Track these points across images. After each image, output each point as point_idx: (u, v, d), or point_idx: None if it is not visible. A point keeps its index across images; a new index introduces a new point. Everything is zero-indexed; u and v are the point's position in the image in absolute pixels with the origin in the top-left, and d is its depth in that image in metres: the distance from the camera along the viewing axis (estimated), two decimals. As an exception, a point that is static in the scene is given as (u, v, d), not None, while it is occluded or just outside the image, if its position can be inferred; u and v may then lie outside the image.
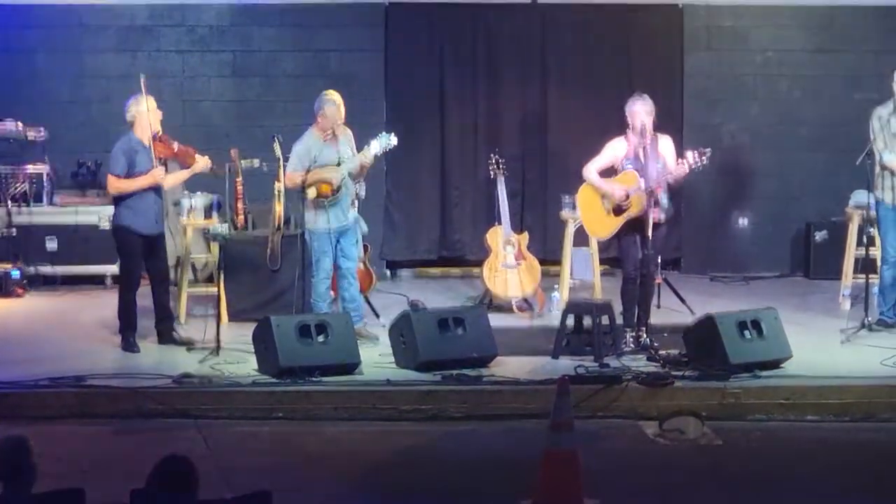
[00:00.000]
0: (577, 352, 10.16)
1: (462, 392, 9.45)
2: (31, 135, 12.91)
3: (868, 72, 13.47)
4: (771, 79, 14.02)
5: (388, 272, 13.89)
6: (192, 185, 11.66)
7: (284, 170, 10.77)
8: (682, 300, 11.90)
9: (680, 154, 10.45)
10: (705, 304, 11.56)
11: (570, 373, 9.41)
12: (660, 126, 10.59)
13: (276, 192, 11.24)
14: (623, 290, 10.48)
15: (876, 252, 11.43)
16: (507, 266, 11.77)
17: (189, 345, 10.33)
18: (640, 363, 9.92)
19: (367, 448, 8.68)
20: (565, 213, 12.18)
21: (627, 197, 10.23)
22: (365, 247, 11.48)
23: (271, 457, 8.41)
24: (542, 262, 12.18)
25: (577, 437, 7.34)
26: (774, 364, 9.85)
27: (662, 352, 10.07)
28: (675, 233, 13.18)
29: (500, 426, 9.14)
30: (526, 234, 12.13)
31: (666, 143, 10.42)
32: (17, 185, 12.75)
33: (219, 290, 10.74)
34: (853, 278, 12.17)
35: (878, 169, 10.96)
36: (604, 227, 10.52)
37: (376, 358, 10.07)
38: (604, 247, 12.63)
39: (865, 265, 11.21)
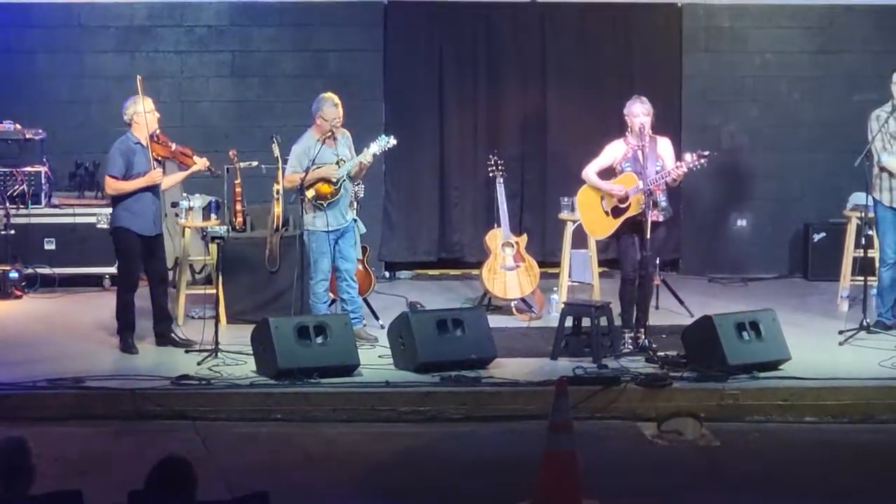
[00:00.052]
0: (576, 353, 10.16)
1: (461, 393, 9.45)
2: (30, 135, 12.89)
3: (867, 73, 13.46)
4: (770, 80, 14.02)
5: (387, 273, 13.88)
6: (191, 186, 11.66)
7: (283, 171, 10.77)
8: (681, 301, 11.90)
9: (679, 155, 10.46)
10: (704, 306, 11.55)
11: (568, 374, 9.42)
12: (658, 127, 10.61)
13: (275, 193, 11.24)
14: (621, 291, 10.48)
15: (874, 253, 11.43)
16: (506, 267, 11.77)
17: (187, 346, 10.32)
18: (638, 364, 9.92)
19: (366, 449, 8.68)
20: (564, 215, 12.17)
21: (627, 196, 10.24)
22: (364, 248, 11.47)
23: (270, 458, 8.41)
24: (540, 264, 12.18)
25: (576, 438, 7.34)
26: (773, 365, 9.85)
27: (661, 353, 10.07)
28: (674, 234, 13.17)
29: (499, 427, 9.14)
30: (525, 236, 12.12)
31: (665, 145, 10.44)
32: (16, 185, 12.73)
33: (217, 292, 10.73)
34: (851, 280, 12.18)
35: (876, 170, 10.97)
36: (602, 227, 10.54)
37: (375, 359, 10.08)
38: (602, 248, 12.64)
39: (864, 266, 11.21)
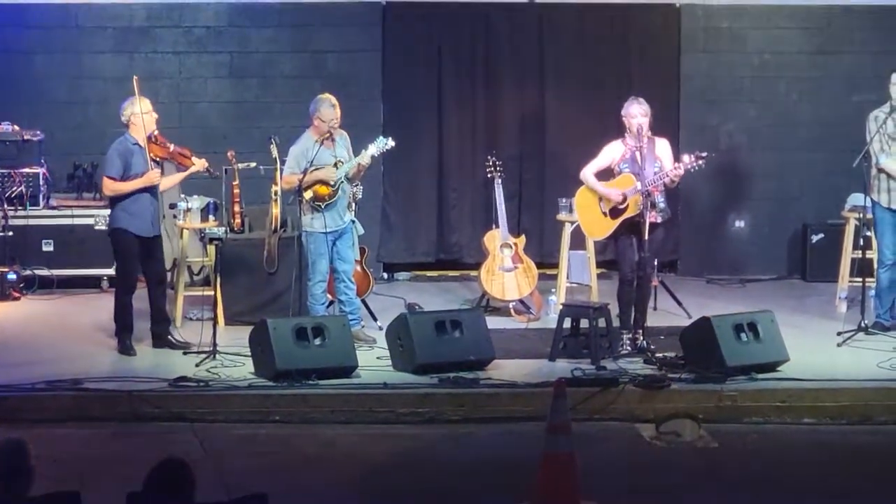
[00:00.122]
0: (574, 354, 10.16)
1: (459, 395, 9.44)
2: (28, 136, 12.88)
3: (866, 73, 13.46)
4: (768, 80, 14.01)
5: (386, 275, 13.87)
6: (189, 187, 11.65)
7: (281, 172, 10.76)
8: (679, 303, 11.90)
9: (677, 156, 10.46)
10: (702, 307, 11.55)
11: (566, 375, 9.41)
12: (657, 128, 10.61)
13: (273, 195, 11.23)
14: (620, 292, 10.48)
15: (872, 254, 11.43)
16: (505, 269, 11.76)
17: (184, 348, 10.32)
18: (636, 366, 9.92)
19: (364, 451, 8.68)
20: (562, 216, 12.17)
21: (625, 199, 10.24)
22: (362, 249, 11.47)
23: (268, 460, 8.41)
24: (539, 265, 12.18)
25: (574, 439, 7.34)
26: (771, 367, 9.84)
27: (659, 354, 10.07)
28: (672, 235, 13.16)
29: (498, 429, 9.14)
30: (523, 237, 12.11)
31: (663, 146, 10.44)
32: (14, 187, 12.72)
33: (215, 293, 10.72)
34: (850, 281, 12.18)
35: (874, 171, 10.96)
36: (600, 228, 10.54)
37: (373, 361, 10.07)
38: (600, 249, 12.64)
39: (862, 268, 11.20)
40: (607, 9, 13.91)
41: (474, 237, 13.18)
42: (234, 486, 6.88)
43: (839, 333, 10.71)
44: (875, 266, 11.30)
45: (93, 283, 12.76)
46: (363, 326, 10.91)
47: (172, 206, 11.69)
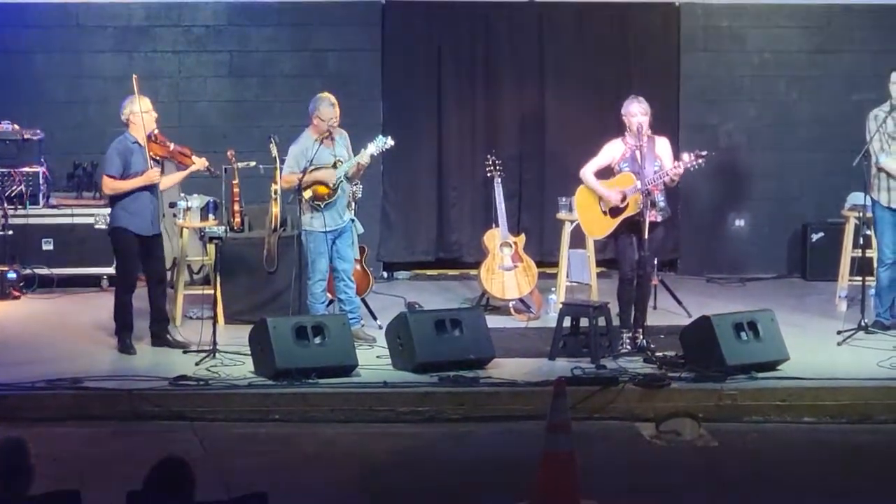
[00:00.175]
0: (574, 353, 10.16)
1: (459, 394, 9.44)
2: (28, 136, 12.88)
3: (865, 72, 13.46)
4: (768, 79, 14.02)
5: (385, 274, 13.87)
6: (189, 186, 11.65)
7: (281, 171, 10.76)
8: (679, 301, 11.90)
9: (677, 155, 10.46)
10: (702, 306, 11.55)
11: (566, 374, 9.41)
12: (656, 127, 10.61)
13: (273, 194, 11.23)
14: (620, 291, 10.48)
15: (872, 253, 11.43)
16: (505, 268, 11.76)
17: (183, 347, 10.31)
18: (636, 365, 9.92)
19: (364, 450, 8.68)
20: (562, 215, 12.17)
21: (625, 198, 10.24)
22: (362, 248, 11.47)
23: (268, 458, 8.40)
24: (539, 264, 12.18)
25: (574, 438, 7.34)
26: (771, 366, 9.84)
27: (659, 353, 10.07)
28: (672, 234, 13.15)
29: (498, 427, 9.13)
30: (523, 236, 12.11)
31: (663, 145, 10.44)
32: (14, 186, 12.72)
33: (215, 292, 10.72)
34: (850, 280, 12.18)
35: (874, 170, 10.96)
36: (600, 227, 10.54)
37: (373, 360, 10.07)
38: (600, 248, 12.64)
39: (862, 267, 11.21)
40: (607, 8, 13.91)
41: (474, 236, 13.18)
42: (234, 485, 6.88)
43: (839, 332, 10.71)
44: (875, 265, 11.30)
45: (93, 282, 12.76)
46: (363, 325, 10.92)
47: (172, 205, 11.69)
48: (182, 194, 11.66)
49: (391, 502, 7.84)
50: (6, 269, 12.39)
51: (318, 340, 9.71)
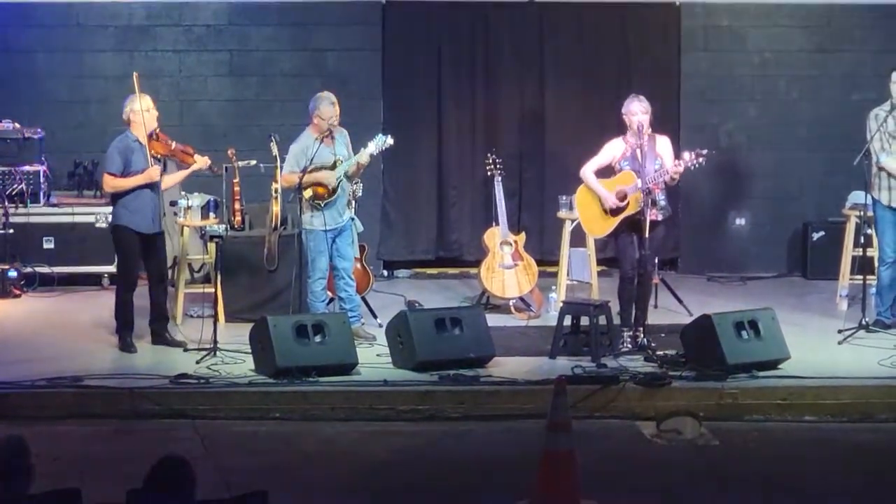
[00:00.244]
0: (575, 352, 10.16)
1: (459, 392, 9.44)
2: (28, 134, 12.88)
3: (866, 72, 13.47)
4: (768, 79, 14.02)
5: (386, 272, 13.87)
6: (189, 185, 11.65)
7: (281, 170, 10.76)
8: (680, 300, 11.89)
9: (677, 154, 10.46)
10: (702, 305, 11.55)
11: (567, 373, 9.41)
12: (657, 126, 10.61)
13: (273, 192, 11.24)
14: (620, 289, 10.48)
15: (873, 252, 11.44)
16: (505, 266, 11.76)
17: (181, 346, 10.31)
18: (637, 363, 9.92)
19: (365, 448, 8.68)
20: (563, 214, 12.17)
21: (625, 197, 10.24)
22: (362, 247, 11.47)
23: (268, 457, 8.40)
24: (539, 263, 12.18)
25: (575, 437, 7.34)
26: (772, 364, 9.84)
27: (660, 352, 10.07)
28: (673, 233, 13.16)
29: (498, 426, 9.13)
30: (523, 235, 12.12)
31: (663, 143, 10.44)
32: (14, 184, 12.72)
33: (215, 290, 10.72)
34: (850, 279, 12.18)
35: (875, 169, 10.96)
36: (601, 226, 10.53)
37: (373, 358, 10.07)
38: (601, 247, 12.64)
39: (863, 265, 11.21)
40: (607, 7, 13.91)
41: (474, 235, 13.18)
42: (235, 484, 6.89)
43: (840, 331, 10.71)
44: (876, 264, 11.31)
45: (93, 281, 12.77)
46: (363, 324, 10.92)
47: (173, 204, 11.69)
48: (183, 193, 11.66)
49: (391, 501, 7.84)
50: (7, 267, 12.39)
51: (318, 339, 9.71)
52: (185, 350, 10.20)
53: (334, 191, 10.52)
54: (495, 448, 8.74)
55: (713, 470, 8.37)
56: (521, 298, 11.81)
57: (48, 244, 12.77)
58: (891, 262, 11.04)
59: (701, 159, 10.19)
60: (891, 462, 8.54)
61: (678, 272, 13.86)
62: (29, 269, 12.57)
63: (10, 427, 7.94)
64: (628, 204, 10.26)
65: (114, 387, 9.27)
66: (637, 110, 10.28)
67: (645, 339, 10.25)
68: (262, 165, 11.38)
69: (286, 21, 13.74)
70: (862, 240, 11.33)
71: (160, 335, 10.48)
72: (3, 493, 5.25)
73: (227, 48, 13.73)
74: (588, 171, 10.47)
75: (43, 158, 12.95)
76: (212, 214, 11.58)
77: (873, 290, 11.18)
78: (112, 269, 12.04)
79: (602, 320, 10.22)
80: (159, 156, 10.40)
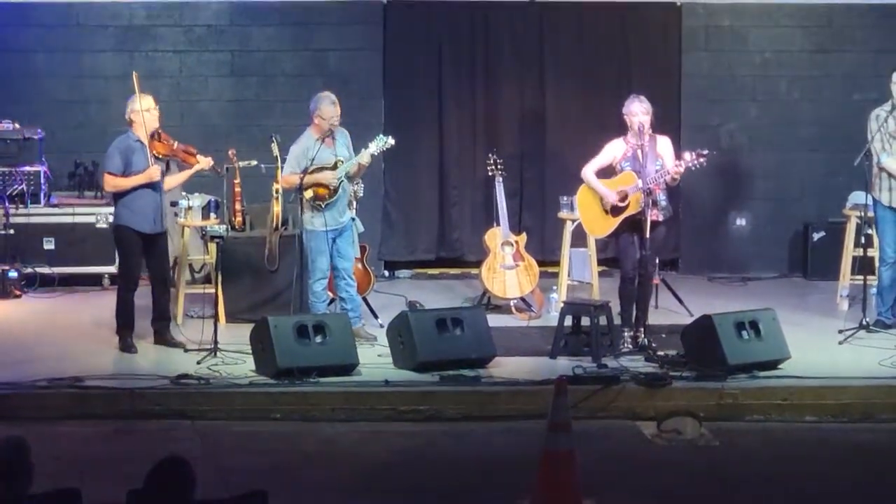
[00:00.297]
0: (575, 352, 10.16)
1: (460, 393, 9.45)
2: (28, 135, 12.88)
3: (867, 72, 13.46)
4: (769, 79, 14.01)
5: (387, 272, 13.87)
6: (190, 185, 11.64)
7: (282, 170, 10.76)
8: (680, 301, 11.89)
9: (678, 154, 10.45)
10: (703, 305, 11.53)
11: (568, 373, 9.41)
12: (658, 126, 10.61)
13: (274, 193, 11.23)
14: (621, 290, 10.48)
15: (874, 252, 11.44)
16: (506, 266, 11.76)
17: (181, 347, 10.30)
18: (638, 363, 9.92)
19: (365, 449, 8.68)
20: (563, 214, 12.17)
21: (626, 197, 10.24)
22: (363, 247, 11.47)
23: (268, 457, 8.40)
24: (540, 263, 12.17)
25: (575, 437, 7.34)
26: (772, 365, 9.84)
27: (660, 352, 10.07)
28: (674, 233, 13.16)
29: (499, 426, 9.13)
30: (524, 235, 12.12)
31: (664, 144, 10.44)
32: (15, 185, 12.72)
33: (216, 291, 10.72)
34: (851, 279, 12.18)
35: (875, 169, 10.96)
36: (602, 226, 10.53)
37: (374, 358, 10.06)
38: (602, 247, 12.64)
39: (863, 266, 11.21)
40: (608, 7, 13.90)
41: (475, 235, 13.17)
42: (235, 484, 6.89)
43: (841, 331, 10.71)
44: (876, 264, 11.30)
45: (94, 281, 12.76)
46: (364, 324, 10.91)
47: (174, 204, 11.68)
48: (183, 193, 11.65)
49: (392, 501, 7.84)
50: (7, 268, 12.39)
51: (319, 339, 9.71)
52: (186, 350, 10.20)
53: (335, 191, 10.51)
54: (495, 448, 8.74)
55: (713, 470, 8.37)
56: (522, 299, 11.81)
57: (48, 245, 12.76)
58: (891, 262, 11.04)
59: (702, 160, 10.20)
60: (891, 462, 8.54)
61: (679, 272, 13.85)
62: (29, 270, 12.57)
63: (11, 427, 7.94)
64: (629, 204, 10.26)
65: (114, 387, 9.27)
66: (638, 111, 10.28)
67: (645, 340, 10.25)
68: (262, 166, 11.37)
69: (287, 21, 13.73)
70: (862, 240, 11.34)
71: (161, 335, 10.47)
72: (4, 493, 5.25)
73: (228, 48, 13.72)
74: (589, 171, 10.47)
75: (43, 159, 12.94)
76: (212, 215, 11.58)
77: (874, 290, 11.17)
78: (112, 269, 12.04)
79: (603, 320, 10.22)
80: (161, 156, 10.39)
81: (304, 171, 10.39)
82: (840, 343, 10.57)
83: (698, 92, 13.99)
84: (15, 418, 8.78)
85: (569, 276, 12.24)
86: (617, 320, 10.42)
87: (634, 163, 10.29)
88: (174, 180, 10.71)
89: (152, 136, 10.31)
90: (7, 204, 12.65)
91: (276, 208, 11.26)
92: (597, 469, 7.82)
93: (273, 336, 9.53)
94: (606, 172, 10.47)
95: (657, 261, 11.10)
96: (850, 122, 12.45)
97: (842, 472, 8.34)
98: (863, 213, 11.31)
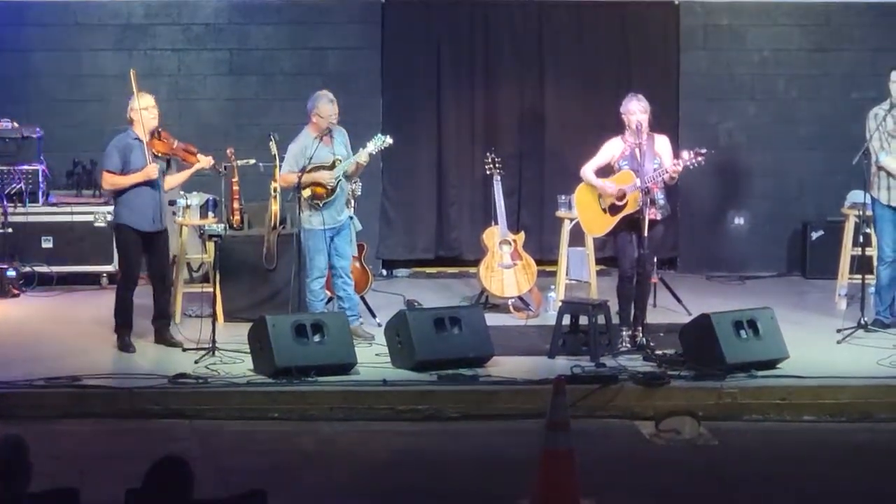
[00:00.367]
0: (574, 351, 10.16)
1: (458, 392, 9.44)
2: (27, 133, 12.87)
3: (865, 71, 13.46)
4: (768, 77, 14.01)
5: (385, 271, 13.86)
6: (188, 184, 11.61)
7: (280, 169, 10.76)
8: (679, 300, 11.89)
9: (676, 153, 10.45)
10: (701, 304, 11.53)
11: (566, 372, 9.40)
12: (656, 125, 10.61)
13: (273, 191, 11.23)
14: (619, 289, 10.47)
15: (872, 251, 11.43)
16: (504, 265, 11.76)
17: (179, 346, 10.29)
18: (636, 363, 9.92)
19: (363, 448, 8.68)
20: (562, 213, 12.16)
21: (624, 195, 10.23)
22: (361, 246, 11.47)
23: (267, 457, 8.40)
24: (538, 262, 12.17)
25: (574, 436, 7.33)
26: (771, 364, 9.84)
27: (659, 351, 10.07)
28: (672, 232, 13.15)
29: (497, 426, 9.13)
30: (522, 234, 12.12)
31: (662, 142, 10.44)
32: (13, 183, 12.72)
33: (214, 290, 10.70)
34: (849, 278, 12.17)
35: (874, 168, 10.96)
36: (600, 225, 10.53)
37: (372, 357, 10.06)
38: (600, 246, 12.63)
39: (862, 265, 11.20)
40: (607, 6, 13.90)
41: (473, 234, 13.17)
42: (233, 483, 6.89)
43: (839, 330, 10.71)
44: (875, 263, 11.30)
45: (92, 280, 12.75)
46: (362, 323, 10.91)
47: (172, 203, 11.67)
48: (181, 192, 11.64)
49: (390, 501, 7.83)
50: (6, 266, 12.38)
51: (317, 338, 9.70)
52: (184, 350, 10.19)
53: (333, 190, 10.51)
54: (494, 447, 8.73)
55: (712, 469, 8.36)
56: (520, 298, 11.80)
57: (47, 243, 12.76)
58: (890, 261, 11.04)
59: (700, 158, 10.19)
60: (890, 462, 8.54)
61: (677, 271, 13.85)
62: (27, 269, 12.56)
63: (9, 426, 7.92)
64: (627, 203, 10.25)
65: (112, 386, 9.27)
66: (636, 109, 10.27)
67: (644, 339, 10.25)
68: (261, 164, 11.38)
69: (285, 20, 13.73)
70: (861, 239, 11.33)
71: (161, 334, 10.47)
72: (2, 493, 5.25)
73: (227, 47, 13.71)
74: (588, 170, 10.47)
75: (41, 157, 12.94)
76: (210, 214, 11.56)
77: (872, 289, 11.17)
78: (111, 268, 12.03)
79: (601, 319, 10.22)
80: (161, 154, 10.38)
81: (303, 170, 10.39)
82: (838, 342, 10.57)
83: (696, 91, 13.99)
84: (13, 417, 8.78)
85: (567, 275, 12.24)
86: (615, 319, 10.42)
87: (632, 161, 10.29)
88: (175, 180, 10.70)
89: (153, 134, 10.31)
90: (5, 203, 12.65)
91: (275, 207, 11.26)
92: (595, 468, 7.82)
93: (271, 335, 9.53)
94: (605, 171, 10.47)
95: (655, 260, 11.10)
96: (849, 121, 12.47)
97: (840, 472, 8.34)
98: (861, 212, 11.30)
